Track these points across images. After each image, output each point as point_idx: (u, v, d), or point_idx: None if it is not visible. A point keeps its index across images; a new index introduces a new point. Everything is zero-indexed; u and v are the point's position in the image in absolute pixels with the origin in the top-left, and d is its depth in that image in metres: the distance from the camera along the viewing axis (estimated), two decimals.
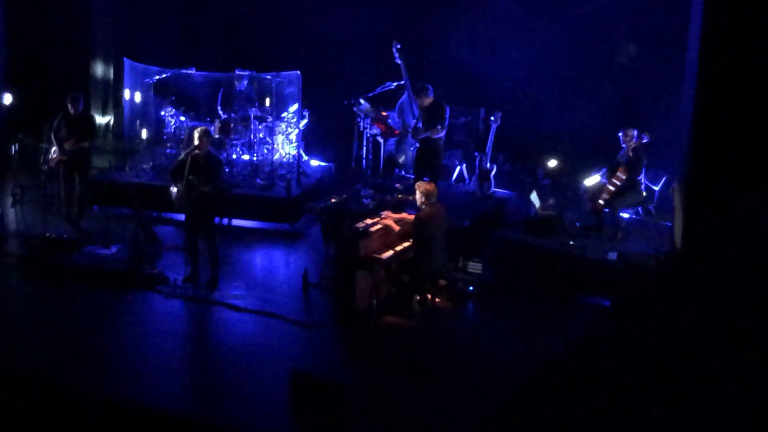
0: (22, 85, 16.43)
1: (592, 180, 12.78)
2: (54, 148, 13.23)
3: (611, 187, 12.34)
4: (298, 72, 14.84)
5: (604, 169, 12.57)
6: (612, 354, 4.07)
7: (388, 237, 11.03)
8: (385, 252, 10.79)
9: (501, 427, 3.83)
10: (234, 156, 14.60)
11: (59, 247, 12.40)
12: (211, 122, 14.66)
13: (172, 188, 11.46)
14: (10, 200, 14.31)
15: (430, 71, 14.59)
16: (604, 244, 12.21)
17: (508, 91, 15.97)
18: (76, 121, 13.26)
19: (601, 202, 12.44)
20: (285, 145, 15.05)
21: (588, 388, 3.79)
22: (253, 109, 14.64)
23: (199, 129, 11.60)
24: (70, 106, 13.23)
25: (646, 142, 12.40)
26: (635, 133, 12.40)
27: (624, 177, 12.32)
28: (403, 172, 14.77)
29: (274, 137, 14.70)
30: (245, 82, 15.03)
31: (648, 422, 3.55)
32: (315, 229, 13.26)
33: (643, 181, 12.75)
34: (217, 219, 13.37)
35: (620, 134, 12.51)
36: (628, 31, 15.42)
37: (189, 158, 11.23)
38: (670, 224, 11.69)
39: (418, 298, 10.91)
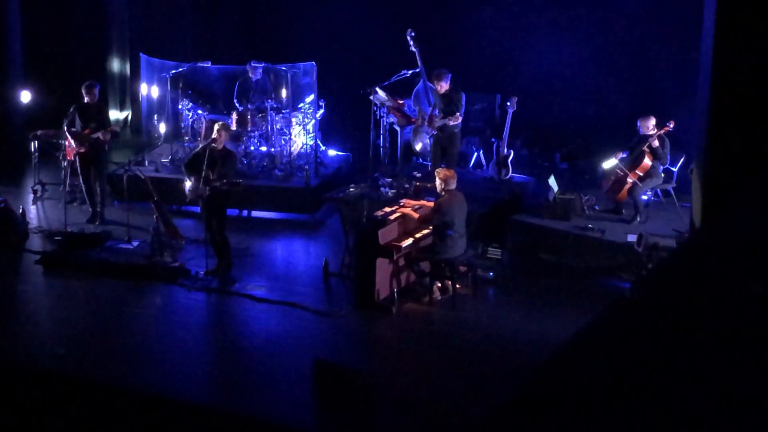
0: (39, 82, 16.54)
1: (609, 163, 12.74)
2: (67, 141, 13.28)
3: (633, 179, 12.28)
4: (314, 62, 14.86)
5: (626, 152, 12.51)
6: (631, 337, 4.09)
7: (407, 225, 11.06)
8: (404, 240, 10.82)
9: (520, 414, 3.85)
10: (252, 148, 14.66)
11: (81, 243, 12.49)
12: (228, 115, 14.71)
13: (186, 181, 11.54)
14: (31, 197, 14.46)
15: (445, 58, 14.55)
16: (624, 226, 12.21)
17: (524, 76, 15.94)
18: (91, 112, 13.30)
19: (624, 193, 12.41)
20: (302, 136, 15.09)
21: (605, 372, 3.81)
22: (270, 100, 14.68)
23: (219, 123, 11.68)
24: (85, 94, 13.27)
25: (670, 130, 12.33)
26: (652, 122, 12.33)
27: (650, 164, 12.28)
28: (421, 160, 14.78)
29: (291, 128, 14.74)
30: (260, 74, 15.07)
31: (667, 407, 3.57)
32: (334, 219, 13.31)
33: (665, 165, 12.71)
34: (236, 211, 13.49)
35: (638, 123, 12.46)
36: (646, 15, 15.35)
37: (206, 152, 11.30)
38: (689, 205, 11.67)
39: (439, 285, 10.95)
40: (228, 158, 11.48)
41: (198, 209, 12.06)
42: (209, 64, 15.41)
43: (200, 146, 12.10)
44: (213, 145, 11.31)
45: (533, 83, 15.89)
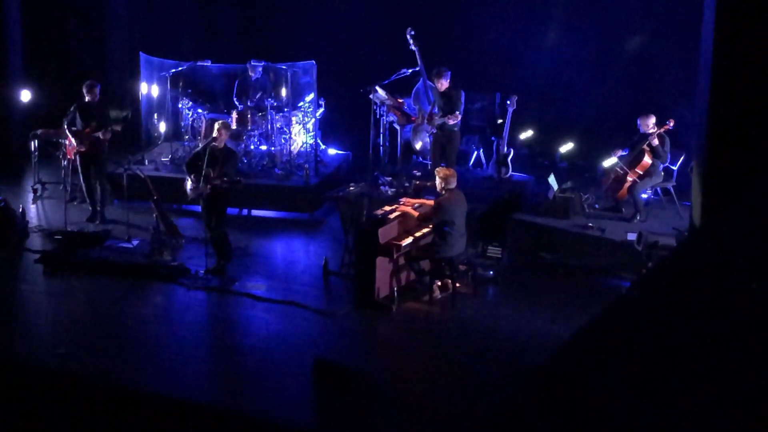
0: (39, 81, 16.53)
1: (609, 161, 12.76)
2: (68, 140, 13.27)
3: (633, 177, 12.30)
4: (313, 61, 14.85)
5: (627, 150, 12.53)
6: (630, 336, 4.10)
7: (407, 223, 11.06)
8: (404, 238, 10.83)
9: (521, 414, 3.85)
10: (252, 147, 14.66)
11: (81, 242, 12.49)
12: (228, 114, 14.71)
13: (187, 180, 11.54)
14: (31, 196, 14.46)
15: (445, 57, 14.54)
16: (624, 225, 12.22)
17: (524, 75, 15.94)
18: (92, 110, 13.30)
19: (624, 191, 12.43)
20: (302, 135, 15.09)
21: (605, 371, 3.81)
22: (269, 99, 14.68)
23: (219, 122, 11.69)
24: (86, 93, 13.27)
25: (670, 129, 12.34)
26: (652, 120, 12.35)
27: (650, 163, 12.30)
28: (421, 159, 14.78)
29: (291, 127, 14.74)
30: (260, 72, 15.07)
31: (667, 405, 3.57)
32: (334, 218, 13.30)
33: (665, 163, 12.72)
34: (236, 210, 13.49)
35: (638, 121, 12.47)
36: (646, 13, 15.34)
37: (207, 151, 11.31)
38: (689, 203, 11.67)
39: (439, 283, 10.95)
40: (229, 157, 11.49)
41: (198, 208, 12.06)
42: (209, 63, 15.39)
43: (201, 145, 12.12)
44: (214, 143, 11.32)
45: (533, 82, 15.88)
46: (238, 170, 12.63)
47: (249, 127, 14.55)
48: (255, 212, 13.98)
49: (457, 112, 13.11)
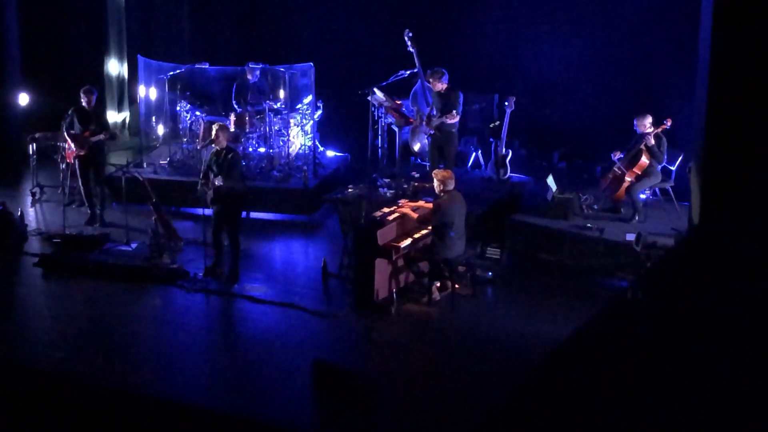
0: (37, 85, 16.54)
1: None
2: (67, 144, 13.29)
3: (631, 177, 12.31)
4: (311, 63, 14.86)
5: (623, 153, 12.52)
6: (629, 335, 4.10)
7: (405, 225, 11.06)
8: (403, 240, 10.82)
9: (519, 413, 3.86)
10: (250, 149, 14.65)
11: (79, 245, 12.49)
12: (227, 116, 14.72)
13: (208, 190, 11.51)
14: (29, 199, 14.46)
15: (443, 58, 14.53)
16: (622, 225, 12.21)
17: (522, 76, 15.94)
18: (90, 115, 13.31)
19: (622, 191, 12.43)
20: (300, 137, 15.09)
21: (603, 370, 3.82)
22: (267, 101, 14.68)
23: (216, 124, 11.69)
24: (84, 98, 13.28)
25: (668, 128, 12.34)
26: (649, 120, 12.36)
27: (647, 163, 12.30)
28: (419, 160, 14.78)
29: (289, 129, 14.74)
30: (258, 75, 15.07)
31: (665, 403, 3.57)
32: (333, 220, 13.30)
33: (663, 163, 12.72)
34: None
35: (635, 121, 12.48)
36: (644, 14, 15.34)
37: (211, 155, 11.34)
38: (687, 203, 11.67)
39: (438, 285, 10.95)
40: (229, 156, 11.41)
41: (195, 210, 12.05)
42: (207, 66, 15.42)
43: (199, 148, 12.12)
44: (215, 147, 11.35)
45: (531, 83, 15.88)
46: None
47: (247, 130, 14.55)
48: (253, 214, 13.94)
49: (455, 112, 13.09)
